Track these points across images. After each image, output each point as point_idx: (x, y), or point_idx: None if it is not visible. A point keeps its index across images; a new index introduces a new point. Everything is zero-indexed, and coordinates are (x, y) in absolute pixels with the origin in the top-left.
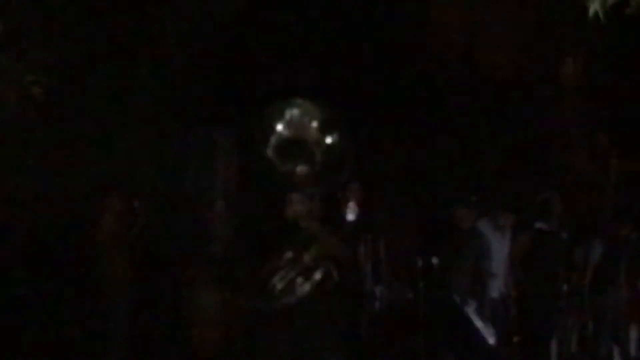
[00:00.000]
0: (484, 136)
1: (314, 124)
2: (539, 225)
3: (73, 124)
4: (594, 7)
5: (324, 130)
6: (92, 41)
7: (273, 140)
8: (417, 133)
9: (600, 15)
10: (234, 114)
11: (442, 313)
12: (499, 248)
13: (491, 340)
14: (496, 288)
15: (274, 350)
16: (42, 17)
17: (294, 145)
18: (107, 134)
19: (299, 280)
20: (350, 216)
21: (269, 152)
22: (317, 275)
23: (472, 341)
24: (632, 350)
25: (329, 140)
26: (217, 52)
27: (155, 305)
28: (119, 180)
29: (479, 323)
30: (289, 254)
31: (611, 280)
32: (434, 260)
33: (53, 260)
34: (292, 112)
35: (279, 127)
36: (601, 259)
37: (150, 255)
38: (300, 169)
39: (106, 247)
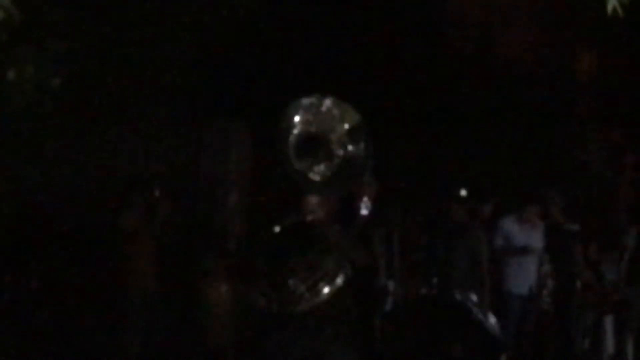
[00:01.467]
0: (498, 132)
1: (345, 126)
2: (568, 226)
3: (89, 115)
4: (612, 2)
5: (351, 135)
6: (108, 32)
7: (295, 133)
8: (430, 128)
9: (619, 10)
10: (248, 108)
11: (444, 307)
12: (527, 243)
13: (495, 333)
14: (524, 284)
15: (286, 345)
16: (59, 7)
17: (315, 142)
18: (122, 126)
19: (321, 284)
20: (364, 211)
21: (288, 146)
22: (339, 281)
23: (476, 335)
24: None
25: (351, 147)
26: (232, 45)
27: (169, 298)
28: (138, 174)
29: (480, 316)
30: (307, 259)
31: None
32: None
33: (70, 251)
34: (322, 108)
35: (303, 120)
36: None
37: (164, 248)
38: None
39: (127, 241)
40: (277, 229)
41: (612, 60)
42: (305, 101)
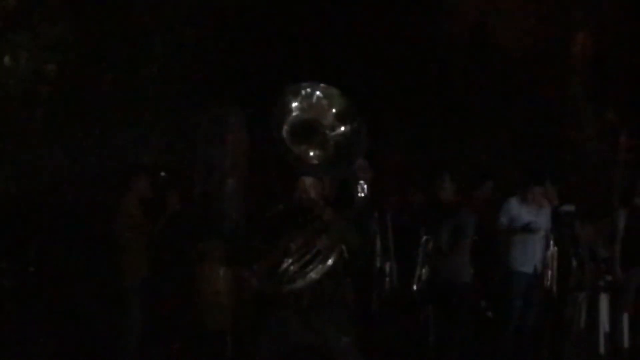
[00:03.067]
0: (493, 114)
1: (333, 109)
2: (563, 206)
3: (85, 101)
4: None
5: (340, 117)
6: (103, 19)
7: (289, 120)
8: (425, 110)
9: None
10: (244, 93)
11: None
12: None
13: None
14: (530, 263)
15: (283, 327)
16: None
17: (309, 128)
18: (118, 113)
19: (312, 265)
20: (361, 194)
21: (283, 132)
22: (330, 261)
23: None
24: None
25: (343, 128)
26: (228, 31)
27: (167, 281)
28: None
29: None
30: (301, 239)
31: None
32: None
33: (67, 236)
34: (312, 95)
35: (297, 107)
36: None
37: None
38: (305, 179)
39: (126, 229)
40: (272, 211)
41: (606, 41)
42: (297, 88)
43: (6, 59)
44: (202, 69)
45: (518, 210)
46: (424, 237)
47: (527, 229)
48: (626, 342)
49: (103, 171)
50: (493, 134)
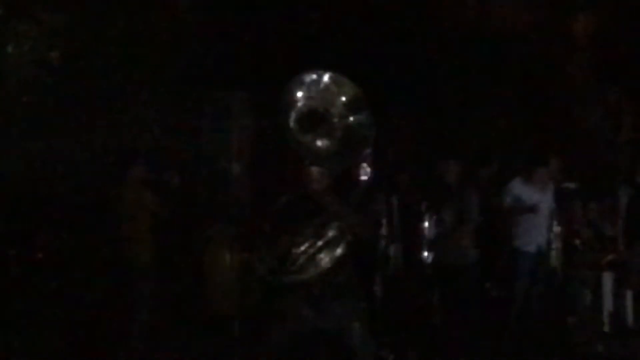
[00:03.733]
0: (495, 94)
1: (342, 98)
2: (566, 185)
3: (88, 88)
4: None
5: (350, 106)
6: (105, 6)
7: (296, 109)
8: (428, 92)
9: None
10: (249, 78)
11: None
12: (535, 202)
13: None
14: (534, 243)
15: (295, 313)
16: None
17: (316, 117)
18: (123, 99)
19: (321, 255)
20: (364, 177)
21: (291, 121)
22: (339, 251)
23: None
24: None
25: (352, 117)
26: (232, 16)
27: (174, 265)
28: (140, 148)
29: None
30: (309, 229)
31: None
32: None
33: (69, 224)
34: (321, 83)
35: (304, 96)
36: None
37: (169, 218)
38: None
39: (128, 213)
40: (280, 201)
41: (609, 20)
42: (306, 76)
43: (9, 47)
44: (206, 54)
45: (522, 191)
46: (430, 219)
47: (532, 209)
48: (630, 321)
49: (108, 157)
50: (496, 114)
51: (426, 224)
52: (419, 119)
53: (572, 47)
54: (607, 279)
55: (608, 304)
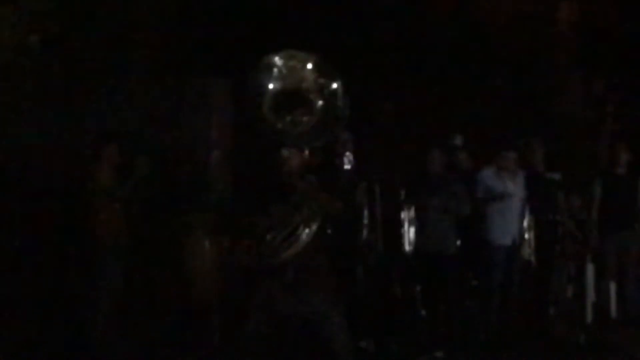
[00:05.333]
0: (478, 83)
1: (311, 72)
2: (549, 175)
3: (68, 73)
4: None
5: (322, 77)
6: None
7: (267, 96)
8: (410, 79)
9: None
10: (228, 65)
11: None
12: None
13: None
14: (508, 235)
15: (271, 299)
16: None
17: (292, 97)
18: (103, 85)
19: (293, 238)
20: (347, 166)
21: (264, 108)
22: (310, 232)
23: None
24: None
25: (328, 86)
26: (212, 2)
27: (153, 254)
28: (114, 131)
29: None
30: (281, 212)
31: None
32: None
33: (47, 210)
34: (286, 63)
35: (273, 80)
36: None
37: (147, 205)
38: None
39: (99, 197)
40: (255, 186)
41: (593, 9)
42: (273, 57)
43: None
44: (186, 38)
45: (492, 181)
46: (412, 208)
47: (501, 196)
48: (613, 312)
49: (82, 142)
50: (478, 103)
51: (408, 212)
52: (402, 106)
53: (556, 35)
54: (590, 271)
55: (590, 295)
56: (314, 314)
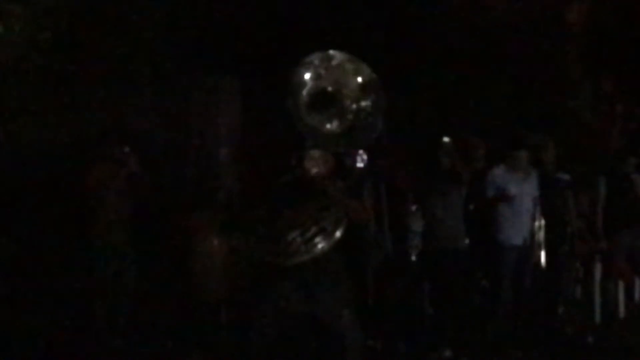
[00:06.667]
0: (487, 82)
1: (357, 80)
2: (559, 175)
3: (77, 70)
4: None
5: (364, 90)
6: None
7: (307, 89)
8: (420, 78)
9: None
10: (237, 62)
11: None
12: (518, 192)
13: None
14: (519, 235)
15: (285, 297)
16: None
17: (328, 98)
18: (111, 82)
19: (317, 239)
20: (360, 164)
21: (300, 101)
22: (337, 235)
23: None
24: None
25: (365, 102)
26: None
27: (160, 253)
28: (120, 128)
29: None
30: (307, 212)
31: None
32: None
33: (50, 204)
34: (334, 63)
35: (314, 76)
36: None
37: (155, 203)
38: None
39: (98, 193)
40: (279, 182)
41: (602, 9)
42: (317, 56)
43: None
44: (196, 36)
45: (504, 180)
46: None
47: (507, 198)
48: (622, 312)
49: (89, 139)
50: (486, 102)
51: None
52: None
53: (565, 35)
54: (597, 270)
55: (598, 294)
56: (326, 312)
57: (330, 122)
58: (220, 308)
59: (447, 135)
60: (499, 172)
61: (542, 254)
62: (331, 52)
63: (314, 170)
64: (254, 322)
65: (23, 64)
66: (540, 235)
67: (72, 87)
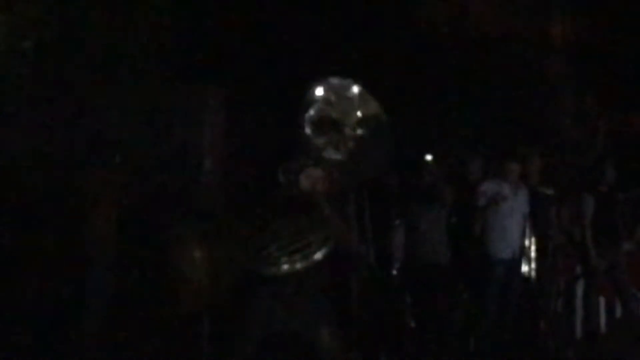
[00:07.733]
0: (471, 96)
1: (360, 112)
2: (542, 189)
3: (61, 79)
4: None
5: (365, 122)
6: None
7: (314, 108)
8: (405, 93)
9: None
10: (222, 72)
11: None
12: (510, 204)
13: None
14: (508, 249)
15: (266, 312)
16: None
17: (329, 123)
18: (95, 91)
19: (301, 255)
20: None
21: (306, 119)
22: (319, 255)
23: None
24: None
25: (363, 132)
26: (208, 9)
27: (142, 263)
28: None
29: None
30: (296, 226)
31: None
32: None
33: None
34: (347, 93)
35: (325, 99)
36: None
37: (137, 212)
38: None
39: (90, 205)
40: (271, 195)
41: (586, 24)
42: (335, 81)
43: None
44: (180, 45)
45: (494, 192)
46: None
47: (492, 200)
48: (603, 327)
49: (76, 150)
50: (470, 116)
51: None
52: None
53: (548, 50)
54: (579, 285)
55: (580, 309)
56: (306, 325)
57: (331, 147)
58: (202, 318)
59: (430, 151)
60: (489, 184)
61: (532, 269)
62: (348, 81)
63: (311, 187)
64: (235, 334)
65: (6, 72)
66: (531, 250)
67: (56, 97)
